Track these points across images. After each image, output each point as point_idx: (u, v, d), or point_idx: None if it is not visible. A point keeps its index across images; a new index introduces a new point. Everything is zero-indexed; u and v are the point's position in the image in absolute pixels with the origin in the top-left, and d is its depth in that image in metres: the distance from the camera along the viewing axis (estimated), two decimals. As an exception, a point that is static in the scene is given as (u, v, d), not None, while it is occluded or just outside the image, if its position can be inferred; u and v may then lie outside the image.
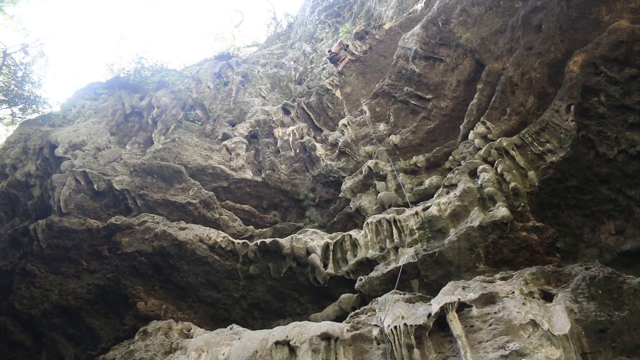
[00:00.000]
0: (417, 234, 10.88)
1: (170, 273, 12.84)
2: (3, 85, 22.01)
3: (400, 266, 10.45)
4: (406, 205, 12.15)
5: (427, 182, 12.69)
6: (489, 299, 8.39)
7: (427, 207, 11.14)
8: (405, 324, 8.33)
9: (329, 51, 18.12)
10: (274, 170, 15.56)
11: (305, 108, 17.25)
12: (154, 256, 12.74)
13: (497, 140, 11.13)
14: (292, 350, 8.90)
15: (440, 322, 8.37)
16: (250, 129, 17.11)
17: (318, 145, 15.70)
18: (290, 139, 16.31)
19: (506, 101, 11.61)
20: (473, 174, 11.11)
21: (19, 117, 22.22)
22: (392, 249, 11.06)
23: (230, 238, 12.97)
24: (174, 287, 12.97)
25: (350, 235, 12.05)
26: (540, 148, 10.41)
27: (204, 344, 10.03)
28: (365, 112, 15.41)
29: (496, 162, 10.81)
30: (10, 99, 21.63)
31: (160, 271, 12.89)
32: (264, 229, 14.16)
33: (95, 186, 13.90)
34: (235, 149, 16.15)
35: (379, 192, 13.16)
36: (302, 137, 16.15)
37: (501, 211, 9.75)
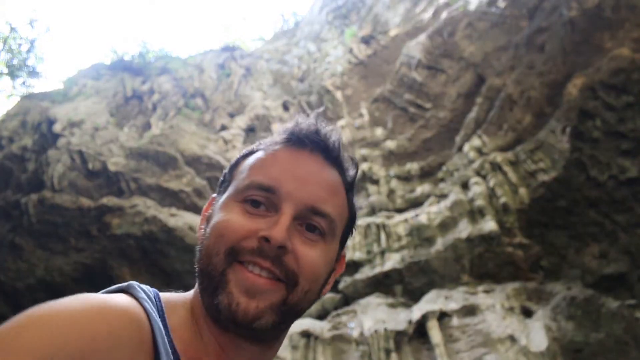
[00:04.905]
0: (404, 241, 10.97)
1: (157, 258, 12.89)
2: (7, 59, 21.97)
3: (385, 271, 10.54)
4: (397, 211, 12.24)
5: (419, 190, 12.77)
6: (470, 311, 8.50)
7: (417, 215, 11.23)
8: (385, 328, 8.44)
9: None
10: (269, 165, 15.57)
11: (306, 106, 17.31)
12: (142, 240, 12.78)
13: (492, 155, 11.23)
14: (272, 344, 8.96)
15: (420, 329, 8.48)
16: (249, 122, 17.15)
17: (315, 144, 15.72)
18: (288, 136, 16.32)
19: (503, 117, 11.73)
20: (465, 186, 11.20)
21: (21, 92, 22.18)
22: (379, 254, 11.14)
23: (220, 229, 13.00)
24: (159, 272, 13.01)
25: (339, 237, 12.10)
26: (533, 166, 10.50)
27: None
28: (364, 115, 15.49)
29: (489, 176, 10.91)
30: (13, 73, 21.57)
31: (147, 256, 12.94)
32: (255, 223, 14.19)
33: (90, 166, 13.92)
34: (232, 140, 16.18)
35: (370, 196, 13.24)
36: (299, 135, 16.17)
37: (489, 225, 9.86)
